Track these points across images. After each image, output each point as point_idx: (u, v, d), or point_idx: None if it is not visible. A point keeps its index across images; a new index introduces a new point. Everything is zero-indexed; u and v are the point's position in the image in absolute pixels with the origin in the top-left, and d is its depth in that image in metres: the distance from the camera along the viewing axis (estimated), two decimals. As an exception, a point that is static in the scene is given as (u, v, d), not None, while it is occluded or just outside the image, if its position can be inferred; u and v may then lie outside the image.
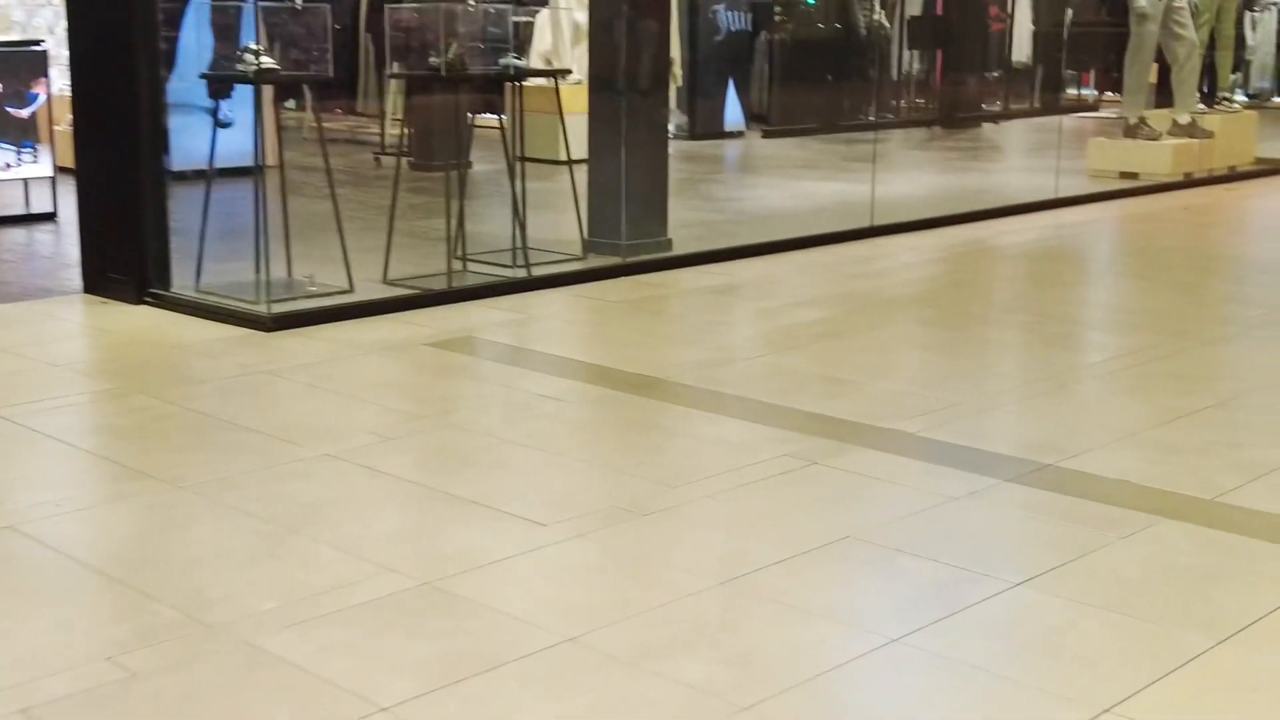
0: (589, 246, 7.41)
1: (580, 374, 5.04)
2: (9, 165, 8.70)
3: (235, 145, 6.70)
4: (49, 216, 8.81)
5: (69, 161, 7.58)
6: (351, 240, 6.46)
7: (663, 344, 5.54)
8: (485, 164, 10.53)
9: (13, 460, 4.11)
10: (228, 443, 4.22)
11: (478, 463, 4.07)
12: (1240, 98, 11.45)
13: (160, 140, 6.26)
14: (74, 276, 6.76)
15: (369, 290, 6.48)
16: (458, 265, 6.84)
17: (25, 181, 8.88)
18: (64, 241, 8.09)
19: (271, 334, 5.66)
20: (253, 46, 6.12)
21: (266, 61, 6.10)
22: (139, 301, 6.20)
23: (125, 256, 6.26)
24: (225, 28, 7.91)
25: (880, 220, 8.25)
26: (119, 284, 6.29)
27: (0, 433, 4.31)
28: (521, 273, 6.81)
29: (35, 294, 6.50)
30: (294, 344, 5.50)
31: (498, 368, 5.21)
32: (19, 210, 8.79)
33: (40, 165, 8.85)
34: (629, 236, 7.32)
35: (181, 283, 6.36)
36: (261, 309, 5.89)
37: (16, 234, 8.32)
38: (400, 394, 4.83)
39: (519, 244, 6.99)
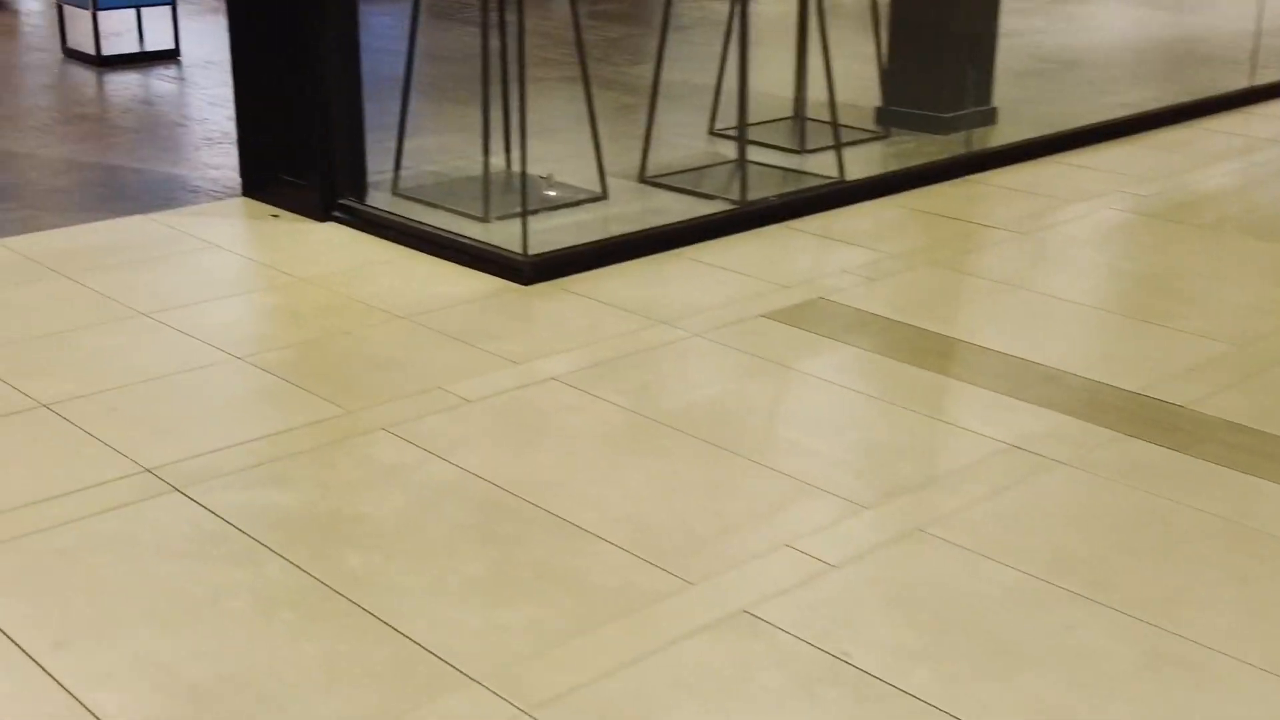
0: (885, 117, 5.53)
1: (1069, 400, 3.20)
2: (117, -12, 6.86)
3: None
4: (170, 55, 6.97)
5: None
6: (560, 106, 4.55)
7: (1142, 329, 3.67)
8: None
9: (192, 623, 2.36)
10: (581, 580, 2.47)
11: (1039, 652, 2.29)
12: None
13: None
14: (221, 160, 4.99)
15: (623, 196, 4.66)
16: (721, 145, 5.02)
17: (138, 9, 7.04)
18: (192, 94, 6.27)
19: (529, 288, 3.88)
20: None
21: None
22: (324, 217, 4.41)
23: (305, 151, 4.43)
24: None
25: (1264, 78, 6.24)
26: (296, 191, 4.48)
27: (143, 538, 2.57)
28: (824, 166, 4.91)
29: (167, 195, 4.70)
30: (568, 313, 3.70)
31: (911, 374, 3.35)
32: (131, 48, 6.96)
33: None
34: (954, 105, 5.43)
35: (372, 176, 4.57)
36: (512, 246, 4.06)
37: (129, 82, 6.47)
38: (785, 437, 3.03)
39: (811, 116, 5.13)
